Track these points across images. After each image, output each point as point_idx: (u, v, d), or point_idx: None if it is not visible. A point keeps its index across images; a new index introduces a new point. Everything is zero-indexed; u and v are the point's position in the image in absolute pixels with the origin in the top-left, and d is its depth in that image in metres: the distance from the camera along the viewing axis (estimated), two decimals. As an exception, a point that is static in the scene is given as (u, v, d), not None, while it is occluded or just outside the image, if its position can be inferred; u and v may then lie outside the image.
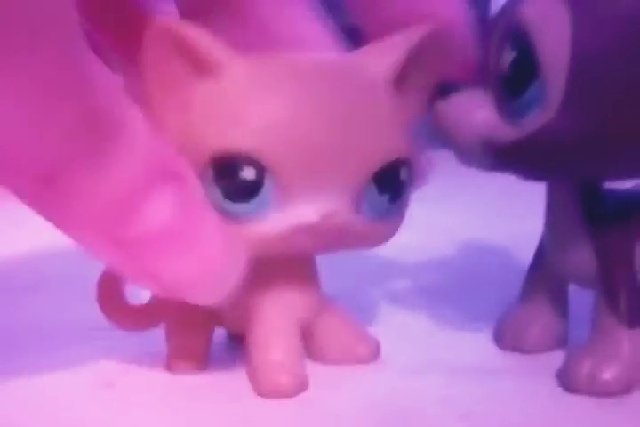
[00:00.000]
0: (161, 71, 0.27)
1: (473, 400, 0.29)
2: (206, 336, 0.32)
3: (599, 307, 0.29)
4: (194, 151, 0.26)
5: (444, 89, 0.28)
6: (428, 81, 0.29)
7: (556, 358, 0.31)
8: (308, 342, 0.31)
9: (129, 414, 0.28)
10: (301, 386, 0.29)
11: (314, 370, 0.31)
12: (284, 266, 0.30)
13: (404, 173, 0.28)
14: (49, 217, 0.23)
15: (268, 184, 0.26)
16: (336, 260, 0.43)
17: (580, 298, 0.32)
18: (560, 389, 0.29)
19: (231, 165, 0.26)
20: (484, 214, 0.56)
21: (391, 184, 0.28)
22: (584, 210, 0.29)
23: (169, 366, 0.32)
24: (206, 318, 0.31)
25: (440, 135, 0.28)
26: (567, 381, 0.29)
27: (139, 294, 0.32)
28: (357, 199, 0.27)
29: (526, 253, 0.34)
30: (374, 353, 0.32)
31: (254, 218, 0.27)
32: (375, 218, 0.28)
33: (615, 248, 0.29)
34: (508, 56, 0.27)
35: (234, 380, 0.30)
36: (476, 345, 0.33)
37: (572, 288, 0.32)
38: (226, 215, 0.26)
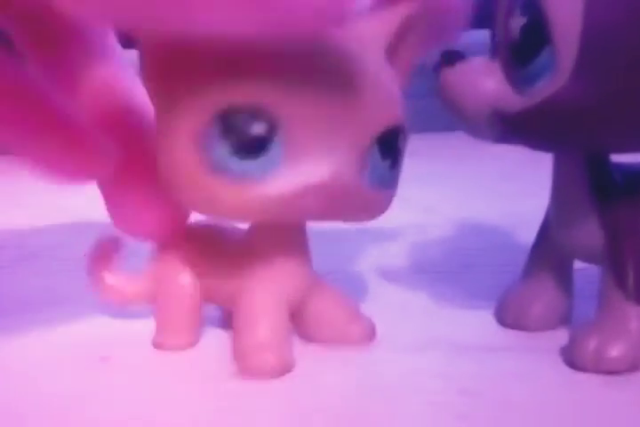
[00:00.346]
0: None
1: (473, 377, 0.28)
2: (195, 312, 0.31)
3: (606, 283, 0.28)
4: (200, 105, 0.25)
5: (451, 56, 0.27)
6: (417, 52, 0.29)
7: (559, 336, 0.30)
8: (299, 322, 0.31)
9: (122, 388, 0.28)
10: (287, 366, 0.29)
11: (311, 348, 0.30)
12: (276, 243, 0.29)
13: (401, 141, 0.28)
14: None
15: (277, 140, 0.25)
16: (335, 239, 0.43)
17: (584, 275, 0.31)
18: (563, 367, 0.28)
19: (242, 118, 0.25)
20: (480, 196, 0.56)
21: (392, 149, 0.27)
22: (592, 184, 0.29)
23: (156, 343, 0.31)
24: (195, 293, 0.31)
25: (446, 104, 0.28)
26: (572, 358, 0.28)
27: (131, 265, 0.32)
28: (362, 162, 0.27)
29: (525, 233, 0.33)
30: (368, 334, 0.31)
31: (262, 178, 0.26)
32: (376, 185, 0.27)
33: (623, 222, 0.28)
34: (518, 22, 0.26)
35: (226, 357, 0.29)
36: (477, 323, 0.33)
37: (576, 265, 0.32)
38: (233, 175, 0.26)
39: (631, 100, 0.25)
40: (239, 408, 0.26)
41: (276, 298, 0.29)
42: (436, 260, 0.41)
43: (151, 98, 0.28)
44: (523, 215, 0.41)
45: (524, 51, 0.26)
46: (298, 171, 0.26)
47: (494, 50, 0.27)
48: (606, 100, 0.25)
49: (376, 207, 0.29)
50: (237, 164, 0.26)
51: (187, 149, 0.26)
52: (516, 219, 0.45)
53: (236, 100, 0.25)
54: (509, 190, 0.55)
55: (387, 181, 0.28)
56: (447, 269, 0.40)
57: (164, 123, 0.27)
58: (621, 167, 0.29)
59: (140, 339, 0.32)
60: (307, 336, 0.31)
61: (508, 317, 0.32)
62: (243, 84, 0.25)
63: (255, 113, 0.25)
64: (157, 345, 0.31)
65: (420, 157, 0.61)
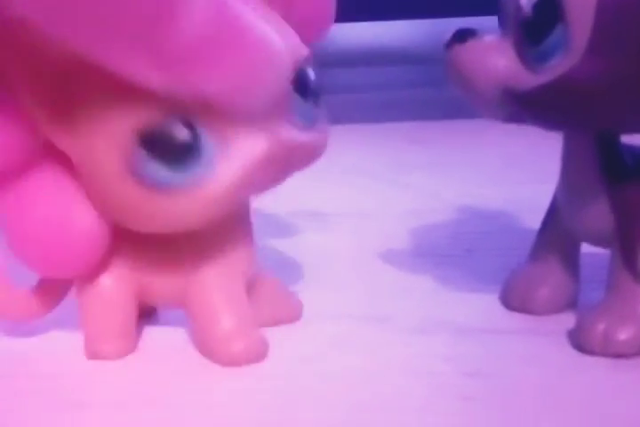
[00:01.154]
0: None
1: (480, 360, 0.28)
2: (129, 315, 0.29)
3: (615, 265, 0.28)
4: (118, 131, 0.25)
5: (462, 34, 0.27)
6: None
7: (566, 319, 0.30)
8: None
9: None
10: (262, 351, 0.28)
11: (313, 331, 0.30)
12: (222, 230, 0.28)
13: (311, 73, 0.27)
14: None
15: (203, 135, 0.25)
16: (338, 224, 0.43)
17: (591, 259, 0.31)
18: (571, 350, 0.28)
19: (164, 131, 0.25)
20: (483, 182, 0.55)
21: (307, 86, 0.27)
22: (602, 165, 0.28)
23: (90, 353, 0.29)
24: (120, 294, 0.28)
25: (456, 82, 0.27)
26: (580, 341, 0.28)
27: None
28: (290, 112, 0.26)
29: (528, 218, 0.33)
30: (297, 315, 0.31)
31: (207, 177, 0.25)
32: (308, 125, 0.27)
33: (634, 204, 0.28)
34: (530, 0, 0.25)
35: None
36: (483, 306, 0.32)
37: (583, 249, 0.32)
38: (175, 187, 0.25)
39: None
40: (238, 399, 0.26)
41: (233, 284, 0.28)
42: (440, 244, 0.40)
43: (42, 124, 0.26)
44: (526, 201, 0.40)
45: (536, 29, 0.25)
46: (238, 155, 0.25)
47: (505, 27, 0.27)
48: (619, 78, 0.24)
49: (317, 148, 0.28)
50: (181, 175, 0.25)
51: (120, 178, 0.25)
52: (520, 204, 0.45)
53: (151, 116, 0.25)
54: (512, 177, 0.55)
55: (316, 117, 0.27)
56: (451, 253, 0.39)
57: (83, 154, 0.26)
58: (632, 149, 0.29)
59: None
60: None
61: (514, 300, 0.32)
62: (153, 99, 0.24)
63: (174, 123, 0.24)
64: (92, 355, 0.29)
65: (422, 144, 0.61)
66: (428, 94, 0.68)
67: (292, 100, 0.26)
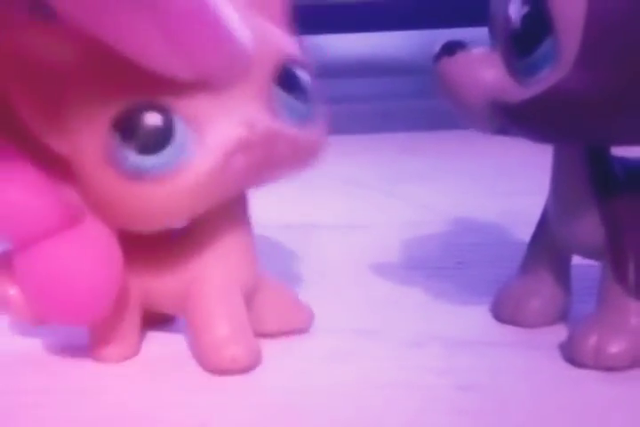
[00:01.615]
0: None
1: (472, 373, 0.28)
2: (133, 320, 0.29)
3: (606, 278, 0.28)
4: (94, 119, 0.25)
5: (451, 46, 0.27)
6: None
7: (557, 331, 0.30)
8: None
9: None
10: (257, 359, 0.28)
11: (304, 343, 0.30)
12: (218, 231, 0.28)
13: (300, 72, 0.28)
14: None
15: (177, 121, 0.25)
16: (330, 235, 0.43)
17: (583, 271, 0.31)
18: (563, 362, 0.28)
19: (137, 118, 0.25)
20: (476, 193, 0.55)
21: (293, 83, 0.27)
22: (592, 177, 0.28)
23: (95, 355, 0.29)
24: (132, 300, 0.29)
25: (445, 95, 0.27)
26: (572, 354, 0.28)
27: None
28: (270, 104, 0.27)
29: (520, 230, 0.33)
30: (309, 321, 0.31)
31: (183, 164, 0.25)
32: (298, 122, 0.27)
33: (624, 217, 0.28)
34: (519, 12, 0.25)
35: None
36: (474, 319, 0.32)
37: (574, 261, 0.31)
38: (153, 174, 0.25)
39: (633, 92, 0.24)
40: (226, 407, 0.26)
41: (230, 289, 0.28)
42: (432, 256, 0.40)
43: (41, 134, 0.27)
44: (518, 213, 0.40)
45: (525, 41, 0.25)
46: (214, 140, 0.25)
47: (494, 39, 0.27)
48: (607, 91, 0.24)
49: (309, 147, 0.28)
50: (155, 160, 0.25)
51: (101, 168, 0.26)
52: (513, 216, 0.44)
53: (126, 103, 0.25)
54: (505, 188, 0.55)
55: (306, 115, 0.28)
56: (443, 265, 0.39)
57: (72, 151, 0.26)
58: (622, 161, 0.29)
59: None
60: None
61: (504, 312, 0.32)
62: (127, 88, 0.25)
63: (147, 108, 0.25)
64: (99, 358, 0.29)
65: (416, 154, 0.61)
66: (422, 105, 0.68)
67: (275, 94, 0.27)
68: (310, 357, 0.29)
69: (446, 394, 0.26)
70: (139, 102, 0.25)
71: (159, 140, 0.25)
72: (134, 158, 0.25)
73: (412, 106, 0.70)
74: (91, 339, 0.29)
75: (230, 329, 0.28)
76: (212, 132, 0.25)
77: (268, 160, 0.26)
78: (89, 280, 0.26)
